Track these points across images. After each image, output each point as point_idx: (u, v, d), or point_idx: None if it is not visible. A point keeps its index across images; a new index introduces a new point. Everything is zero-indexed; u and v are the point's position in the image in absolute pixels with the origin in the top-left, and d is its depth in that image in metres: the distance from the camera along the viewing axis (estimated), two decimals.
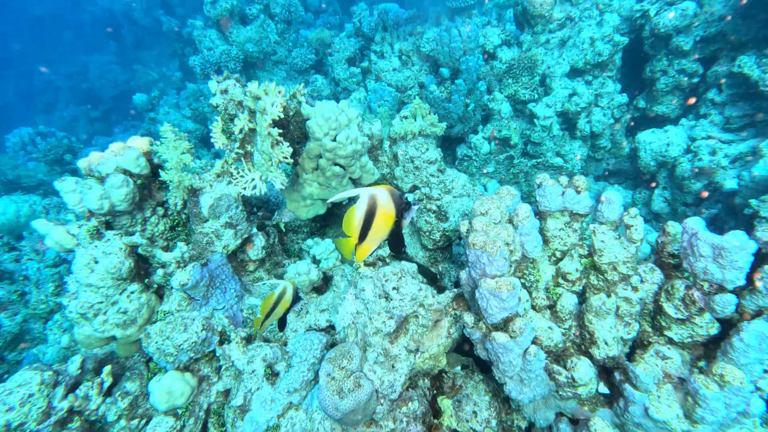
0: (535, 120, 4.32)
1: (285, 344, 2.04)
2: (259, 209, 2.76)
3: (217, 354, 1.79)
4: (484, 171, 4.38)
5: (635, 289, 1.22)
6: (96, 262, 1.64)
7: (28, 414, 1.41)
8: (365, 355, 1.62)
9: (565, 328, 1.33)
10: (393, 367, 1.59)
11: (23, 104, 11.14)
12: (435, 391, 1.69)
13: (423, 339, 1.59)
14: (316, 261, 2.20)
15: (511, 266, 1.35)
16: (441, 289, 2.25)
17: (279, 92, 1.80)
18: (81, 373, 1.60)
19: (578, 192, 1.45)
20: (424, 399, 1.59)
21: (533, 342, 1.33)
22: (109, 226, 1.82)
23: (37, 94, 10.61)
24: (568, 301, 1.31)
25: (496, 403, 1.56)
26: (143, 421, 1.70)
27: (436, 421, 1.58)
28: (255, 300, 2.04)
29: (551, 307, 1.38)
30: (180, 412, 1.71)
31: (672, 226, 1.26)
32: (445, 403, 1.62)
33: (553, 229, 1.51)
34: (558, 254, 1.51)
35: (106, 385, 1.64)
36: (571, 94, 4.20)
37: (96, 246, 1.67)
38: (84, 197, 1.69)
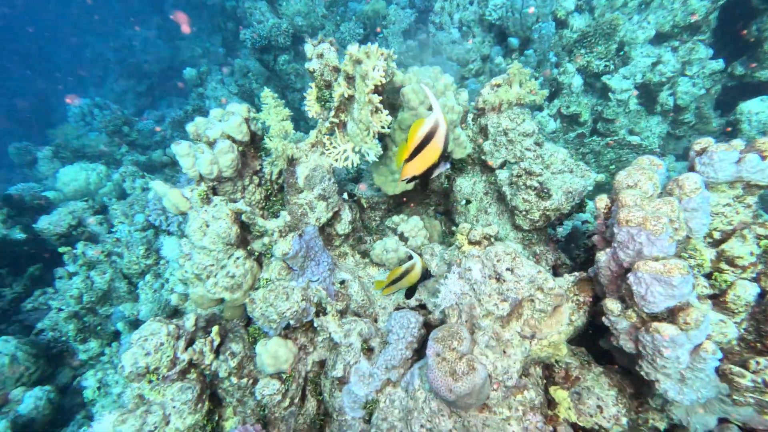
0: (610, 94, 3.99)
1: (375, 320, 2.00)
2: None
3: (315, 325, 1.77)
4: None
5: None
6: (207, 226, 1.65)
7: (160, 360, 1.49)
8: (474, 338, 1.54)
9: (735, 323, 1.18)
10: (505, 352, 1.51)
11: (76, 76, 11.51)
12: (545, 381, 1.59)
13: (540, 325, 1.49)
14: (403, 239, 2.12)
15: (677, 247, 1.20)
16: None
17: (381, 54, 1.67)
18: (194, 330, 1.63)
19: (764, 158, 1.26)
20: (539, 388, 1.51)
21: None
22: (214, 192, 1.82)
23: (88, 66, 10.92)
24: (745, 291, 1.16)
25: (624, 399, 1.44)
26: (250, 381, 1.74)
27: (551, 412, 1.50)
28: (344, 274, 1.99)
29: (715, 296, 1.23)
30: (284, 376, 1.73)
31: None
32: (559, 394, 1.53)
33: (716, 204, 1.33)
34: (716, 235, 1.34)
35: (216, 343, 1.67)
36: (654, 63, 3.83)
37: (206, 210, 1.68)
38: (197, 161, 1.69)
